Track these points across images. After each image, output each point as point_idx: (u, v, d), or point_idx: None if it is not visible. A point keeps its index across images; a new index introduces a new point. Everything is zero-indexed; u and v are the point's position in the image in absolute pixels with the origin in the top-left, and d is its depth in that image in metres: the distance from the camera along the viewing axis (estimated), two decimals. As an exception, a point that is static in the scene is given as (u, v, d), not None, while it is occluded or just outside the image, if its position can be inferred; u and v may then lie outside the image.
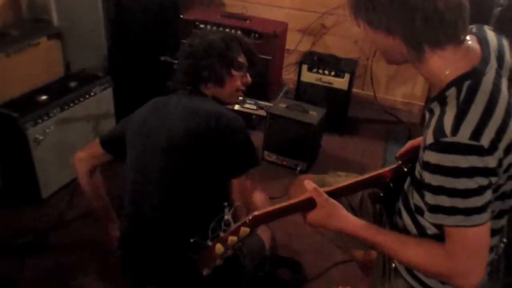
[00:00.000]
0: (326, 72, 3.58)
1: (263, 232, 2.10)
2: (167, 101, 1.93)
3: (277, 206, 1.49)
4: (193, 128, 1.78)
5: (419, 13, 1.22)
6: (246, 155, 1.87)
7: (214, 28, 3.38)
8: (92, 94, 3.01)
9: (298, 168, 3.18)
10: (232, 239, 1.41)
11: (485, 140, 1.18)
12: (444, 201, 1.24)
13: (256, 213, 1.44)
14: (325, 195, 1.47)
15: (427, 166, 1.25)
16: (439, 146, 1.20)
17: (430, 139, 1.23)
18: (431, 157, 1.23)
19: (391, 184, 1.60)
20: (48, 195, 2.89)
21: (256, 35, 3.34)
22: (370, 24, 1.31)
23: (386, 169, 1.61)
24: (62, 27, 3.12)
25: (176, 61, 2.65)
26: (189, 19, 3.48)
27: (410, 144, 1.69)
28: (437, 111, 1.28)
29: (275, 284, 2.41)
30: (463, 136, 1.18)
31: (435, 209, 1.28)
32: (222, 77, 1.94)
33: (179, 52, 1.99)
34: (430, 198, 1.28)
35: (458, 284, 1.31)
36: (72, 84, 2.96)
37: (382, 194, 1.62)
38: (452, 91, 1.25)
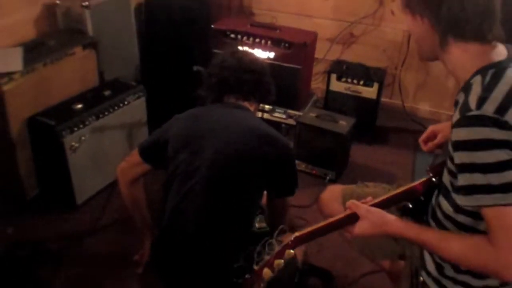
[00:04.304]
0: (355, 81, 3.61)
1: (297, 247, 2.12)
2: (212, 111, 1.99)
3: (318, 225, 1.53)
4: (246, 147, 1.84)
5: (445, 2, 1.32)
6: (291, 183, 1.98)
7: (245, 38, 3.42)
8: (126, 103, 3.07)
9: (327, 177, 3.20)
10: (278, 262, 1.44)
11: (510, 117, 1.21)
12: (478, 179, 1.25)
13: (297, 234, 1.48)
14: (365, 206, 1.51)
15: (456, 146, 1.28)
16: (465, 120, 1.24)
17: (456, 117, 1.28)
18: (459, 133, 1.26)
19: (421, 197, 1.63)
20: (82, 201, 2.96)
21: (286, 45, 3.36)
22: (408, 8, 1.42)
23: (417, 182, 1.64)
24: (96, 36, 3.18)
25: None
26: (220, 28, 3.51)
27: (431, 128, 1.83)
28: (462, 98, 1.32)
29: (306, 293, 2.44)
30: (488, 110, 1.22)
31: (470, 189, 1.28)
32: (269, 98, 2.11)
33: (220, 63, 2.06)
34: (464, 179, 1.29)
35: (502, 276, 1.28)
36: (107, 93, 3.04)
37: (411, 206, 1.65)
38: (476, 78, 1.31)
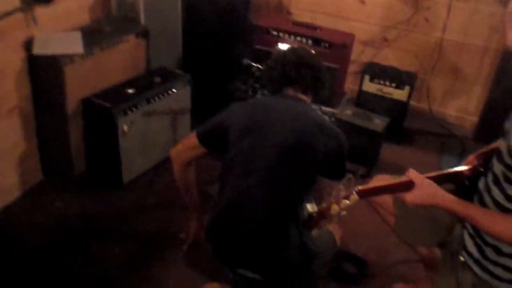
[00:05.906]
0: (387, 83, 3.76)
1: (336, 231, 2.29)
2: (274, 102, 2.14)
3: (377, 184, 1.76)
4: (309, 136, 1.98)
5: None
6: (342, 170, 2.14)
7: (286, 35, 3.57)
8: (174, 90, 3.23)
9: (359, 172, 3.35)
10: (345, 202, 1.67)
11: None
12: None
13: (360, 187, 1.69)
14: (423, 176, 1.68)
15: None
16: None
17: None
18: None
19: (466, 182, 1.81)
20: (128, 181, 3.11)
21: (326, 45, 3.51)
22: None
23: (466, 167, 1.83)
24: (147, 26, 3.34)
25: (256, 65, 2.86)
26: (262, 25, 3.66)
27: (484, 149, 1.92)
28: None
29: (341, 276, 2.59)
30: None
31: None
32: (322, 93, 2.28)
33: (282, 58, 2.21)
34: None
35: None
36: (156, 80, 3.20)
37: (456, 190, 1.82)
38: None
